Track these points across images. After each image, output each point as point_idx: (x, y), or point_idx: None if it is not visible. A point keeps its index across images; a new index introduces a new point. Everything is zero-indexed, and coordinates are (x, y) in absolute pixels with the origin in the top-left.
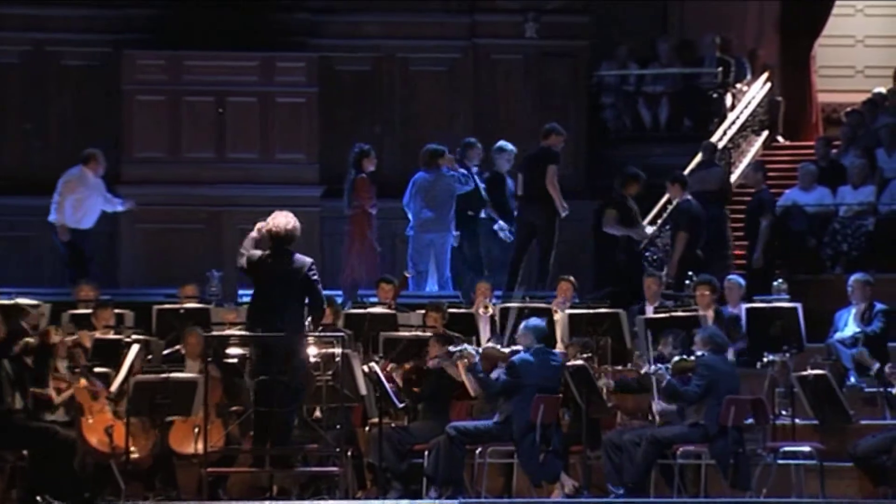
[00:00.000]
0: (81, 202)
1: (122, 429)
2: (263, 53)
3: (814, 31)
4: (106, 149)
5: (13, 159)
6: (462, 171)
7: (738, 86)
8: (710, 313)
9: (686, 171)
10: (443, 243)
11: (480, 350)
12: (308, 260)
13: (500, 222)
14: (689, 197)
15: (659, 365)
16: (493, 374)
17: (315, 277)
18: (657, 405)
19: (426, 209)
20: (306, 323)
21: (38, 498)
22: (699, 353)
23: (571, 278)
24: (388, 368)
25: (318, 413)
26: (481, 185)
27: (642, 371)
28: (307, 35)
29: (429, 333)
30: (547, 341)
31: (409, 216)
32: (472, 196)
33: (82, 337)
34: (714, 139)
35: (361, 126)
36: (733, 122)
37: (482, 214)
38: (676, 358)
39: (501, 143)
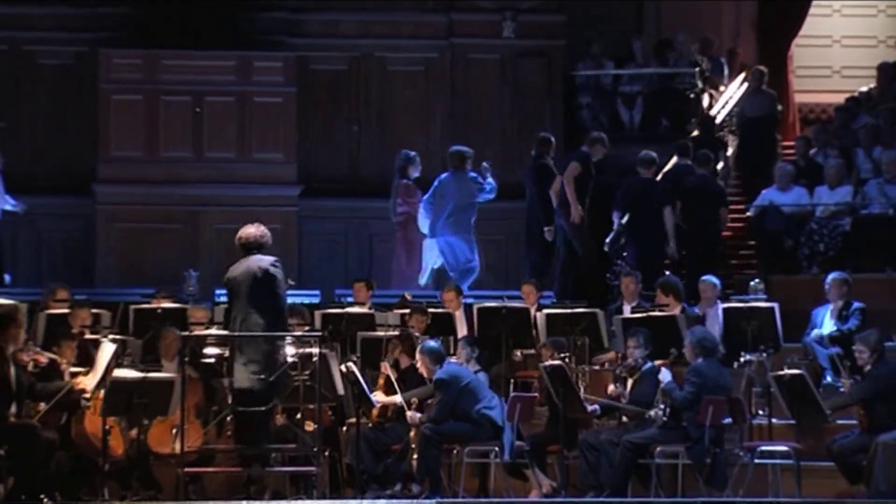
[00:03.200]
0: None
1: (115, 428)
2: (241, 53)
3: (791, 32)
4: (82, 148)
5: None
6: (490, 181)
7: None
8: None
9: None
10: (462, 245)
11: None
12: (267, 259)
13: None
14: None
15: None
16: None
17: (274, 272)
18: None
19: (449, 210)
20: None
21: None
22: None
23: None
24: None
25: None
26: None
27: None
28: (284, 34)
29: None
30: None
31: (427, 216)
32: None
33: (65, 350)
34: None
35: (339, 125)
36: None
37: None
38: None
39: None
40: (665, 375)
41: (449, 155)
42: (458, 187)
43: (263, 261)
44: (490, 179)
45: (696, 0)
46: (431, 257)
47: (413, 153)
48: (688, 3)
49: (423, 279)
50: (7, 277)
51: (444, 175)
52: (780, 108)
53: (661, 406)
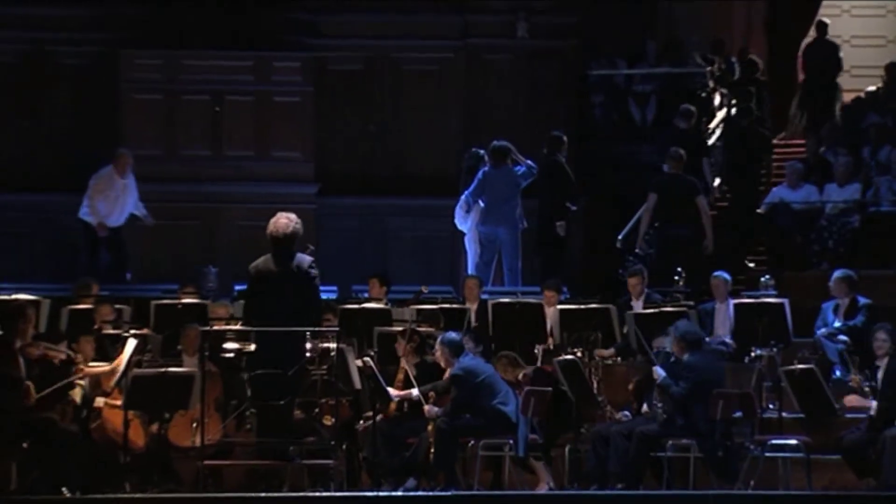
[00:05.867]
0: (111, 201)
1: (136, 421)
2: (259, 53)
3: (802, 31)
4: (103, 146)
5: (12, 157)
6: (528, 162)
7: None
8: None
9: None
10: (509, 237)
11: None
12: (308, 258)
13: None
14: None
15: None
16: None
17: (314, 274)
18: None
19: (495, 203)
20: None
21: (64, 489)
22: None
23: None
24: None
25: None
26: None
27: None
28: (302, 35)
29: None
30: None
31: (468, 210)
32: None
33: (84, 346)
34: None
35: (355, 124)
36: (722, 121)
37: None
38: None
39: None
40: (659, 372)
41: (490, 150)
42: (503, 180)
43: (304, 261)
44: (528, 161)
45: (708, 1)
46: (474, 249)
47: (482, 152)
48: (700, 3)
49: (472, 270)
50: (128, 276)
51: (486, 170)
52: (841, 55)
53: (658, 403)
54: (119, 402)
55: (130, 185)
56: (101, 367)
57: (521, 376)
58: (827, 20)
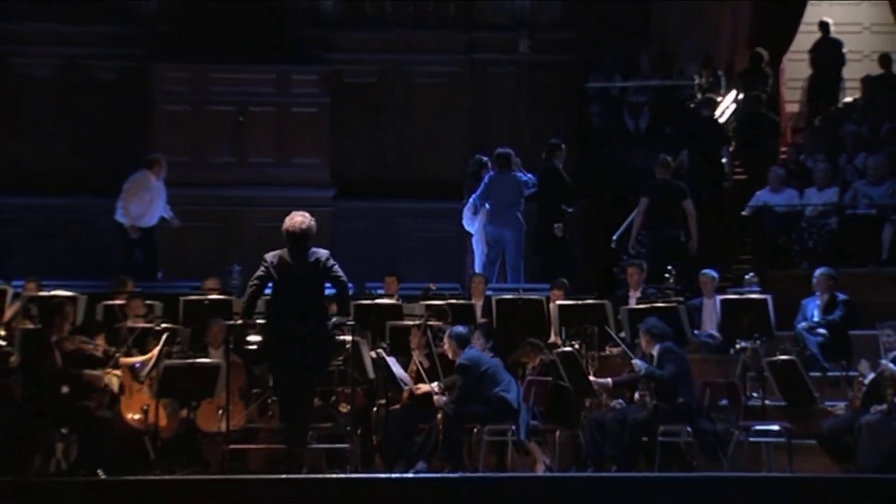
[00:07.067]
0: (144, 203)
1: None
2: (280, 67)
3: (782, 47)
4: (135, 154)
5: (51, 163)
6: (530, 175)
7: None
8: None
9: None
10: (514, 238)
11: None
12: (324, 252)
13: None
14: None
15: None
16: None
17: (334, 265)
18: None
19: (500, 206)
20: (331, 310)
21: (100, 471)
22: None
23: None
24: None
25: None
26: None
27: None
28: (320, 50)
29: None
30: None
31: (476, 213)
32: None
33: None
34: None
35: (369, 133)
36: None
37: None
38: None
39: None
40: (640, 364)
41: (495, 157)
42: (507, 185)
43: (321, 254)
44: (529, 174)
45: (697, 14)
46: (481, 248)
47: (486, 158)
48: (690, 16)
49: (478, 269)
50: (159, 274)
51: (493, 174)
52: (844, 51)
53: (643, 391)
54: (145, 391)
55: (161, 189)
56: (135, 359)
57: (537, 362)
58: (829, 20)
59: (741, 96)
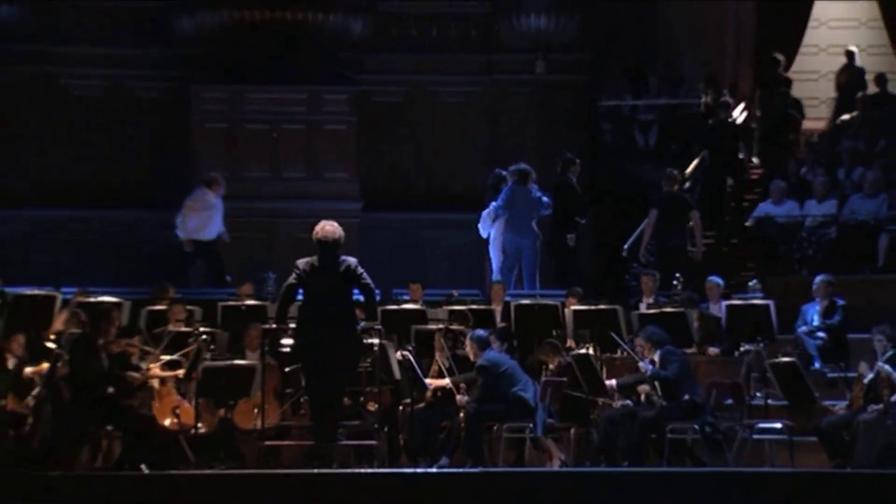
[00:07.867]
0: (203, 218)
1: (187, 408)
2: (312, 87)
3: (785, 66)
4: (176, 169)
5: (98, 178)
6: (546, 198)
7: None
8: (695, 313)
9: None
10: (530, 247)
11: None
12: (353, 260)
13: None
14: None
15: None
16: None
17: (362, 273)
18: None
19: (519, 216)
20: (359, 315)
21: (142, 466)
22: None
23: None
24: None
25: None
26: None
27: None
28: (349, 71)
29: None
30: None
31: (495, 220)
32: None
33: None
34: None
35: (395, 149)
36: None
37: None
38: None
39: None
40: (645, 366)
41: (514, 172)
42: (525, 197)
43: (350, 262)
44: (547, 198)
45: (700, 37)
46: (499, 256)
47: (505, 172)
48: (693, 35)
49: (496, 275)
50: (227, 277)
51: (512, 185)
52: (867, 77)
53: (649, 391)
54: (174, 394)
55: (219, 205)
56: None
57: (556, 363)
58: (854, 48)
59: (767, 94)
